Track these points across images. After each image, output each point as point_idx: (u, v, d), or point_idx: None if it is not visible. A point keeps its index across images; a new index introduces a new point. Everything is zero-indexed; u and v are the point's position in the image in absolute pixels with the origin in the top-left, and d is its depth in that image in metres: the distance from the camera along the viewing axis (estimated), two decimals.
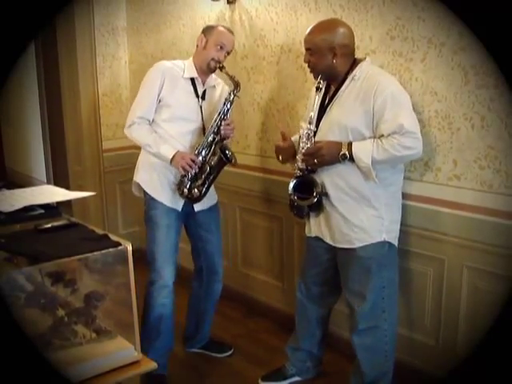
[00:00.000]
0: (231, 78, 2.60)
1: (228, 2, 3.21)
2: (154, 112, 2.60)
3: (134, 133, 2.58)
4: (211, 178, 2.62)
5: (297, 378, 2.70)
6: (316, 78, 2.31)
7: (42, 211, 1.90)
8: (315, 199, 2.29)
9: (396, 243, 2.34)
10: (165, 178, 2.63)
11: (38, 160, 6.05)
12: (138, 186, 2.70)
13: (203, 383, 2.73)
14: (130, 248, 1.61)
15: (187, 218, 2.74)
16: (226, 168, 2.68)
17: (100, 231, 1.73)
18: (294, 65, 2.93)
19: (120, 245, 1.62)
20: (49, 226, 1.75)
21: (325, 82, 2.35)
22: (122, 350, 1.65)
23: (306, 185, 2.31)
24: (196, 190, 2.59)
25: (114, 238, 1.67)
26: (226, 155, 2.60)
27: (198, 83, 2.64)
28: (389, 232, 2.28)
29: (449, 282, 2.41)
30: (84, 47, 4.00)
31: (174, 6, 3.66)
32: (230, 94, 2.60)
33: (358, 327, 2.35)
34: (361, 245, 2.26)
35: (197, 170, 2.56)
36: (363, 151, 2.14)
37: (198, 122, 2.63)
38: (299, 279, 2.64)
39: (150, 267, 2.63)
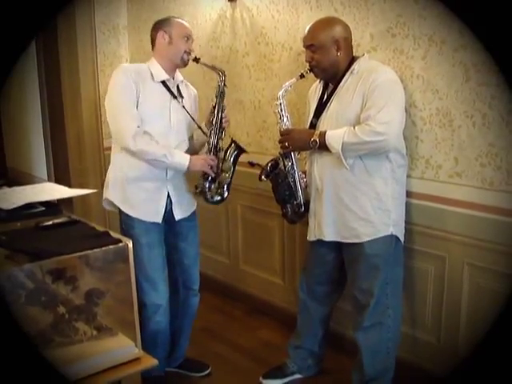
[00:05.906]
0: (212, 67, 2.49)
1: (229, 0, 3.21)
2: None
3: (145, 145, 2.29)
4: (233, 174, 2.52)
5: (298, 376, 2.70)
6: (319, 76, 2.33)
7: (43, 208, 1.90)
8: (268, 168, 2.47)
9: (402, 240, 2.35)
10: (141, 191, 2.40)
11: (39, 158, 6.06)
12: (111, 202, 2.45)
13: (206, 381, 2.74)
14: (130, 245, 1.61)
15: (165, 226, 2.51)
16: None
17: (101, 228, 1.74)
18: (295, 62, 2.93)
19: (121, 242, 1.62)
20: (50, 223, 1.75)
21: (322, 82, 2.38)
22: (123, 347, 1.65)
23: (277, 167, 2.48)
24: (222, 190, 2.50)
25: (114, 235, 1.68)
26: (239, 145, 2.53)
27: (170, 84, 2.44)
28: (396, 225, 2.29)
29: (450, 280, 2.41)
30: (85, 45, 4.00)
31: (174, 4, 3.66)
32: (219, 85, 2.48)
33: (363, 324, 2.35)
34: (368, 239, 2.26)
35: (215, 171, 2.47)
36: (334, 138, 2.18)
37: (180, 123, 2.45)
38: (301, 278, 2.64)
39: (138, 289, 2.19)
